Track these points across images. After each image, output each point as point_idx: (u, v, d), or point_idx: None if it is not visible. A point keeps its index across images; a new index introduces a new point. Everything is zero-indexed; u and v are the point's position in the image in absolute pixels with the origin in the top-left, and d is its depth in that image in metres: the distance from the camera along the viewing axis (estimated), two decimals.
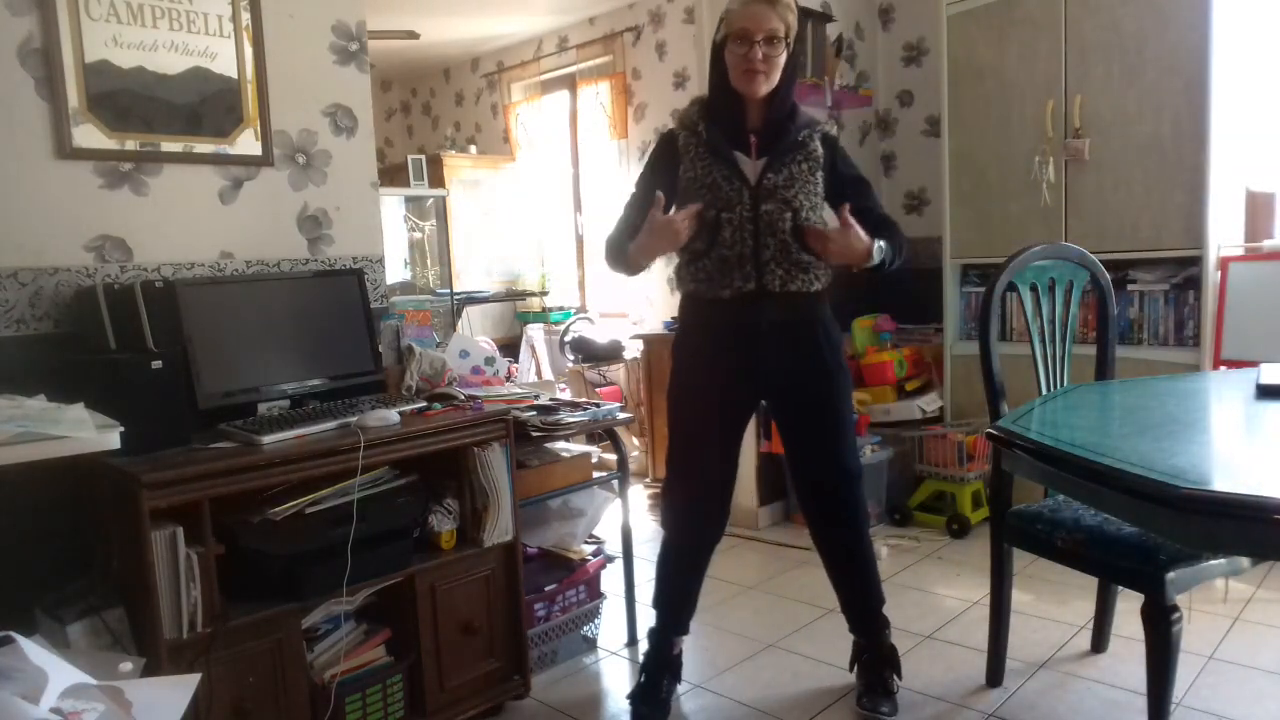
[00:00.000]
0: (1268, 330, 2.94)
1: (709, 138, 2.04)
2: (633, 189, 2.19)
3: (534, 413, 2.37)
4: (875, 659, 2.22)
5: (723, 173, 2.00)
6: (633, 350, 4.54)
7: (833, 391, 2.13)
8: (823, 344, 2.11)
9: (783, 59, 1.98)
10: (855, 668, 2.28)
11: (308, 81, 2.41)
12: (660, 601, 2.27)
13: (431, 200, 5.61)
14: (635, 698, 2.22)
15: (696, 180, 2.03)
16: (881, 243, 1.99)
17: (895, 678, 2.22)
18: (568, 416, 2.41)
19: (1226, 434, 1.74)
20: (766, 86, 1.98)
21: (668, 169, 2.10)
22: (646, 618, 2.35)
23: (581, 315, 5.24)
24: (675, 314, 2.37)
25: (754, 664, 2.49)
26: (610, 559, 2.66)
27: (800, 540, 3.32)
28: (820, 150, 2.07)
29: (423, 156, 5.59)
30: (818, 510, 2.21)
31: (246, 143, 2.30)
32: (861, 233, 1.94)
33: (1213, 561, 1.75)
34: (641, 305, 4.97)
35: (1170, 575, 1.71)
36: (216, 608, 1.77)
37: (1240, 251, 3.11)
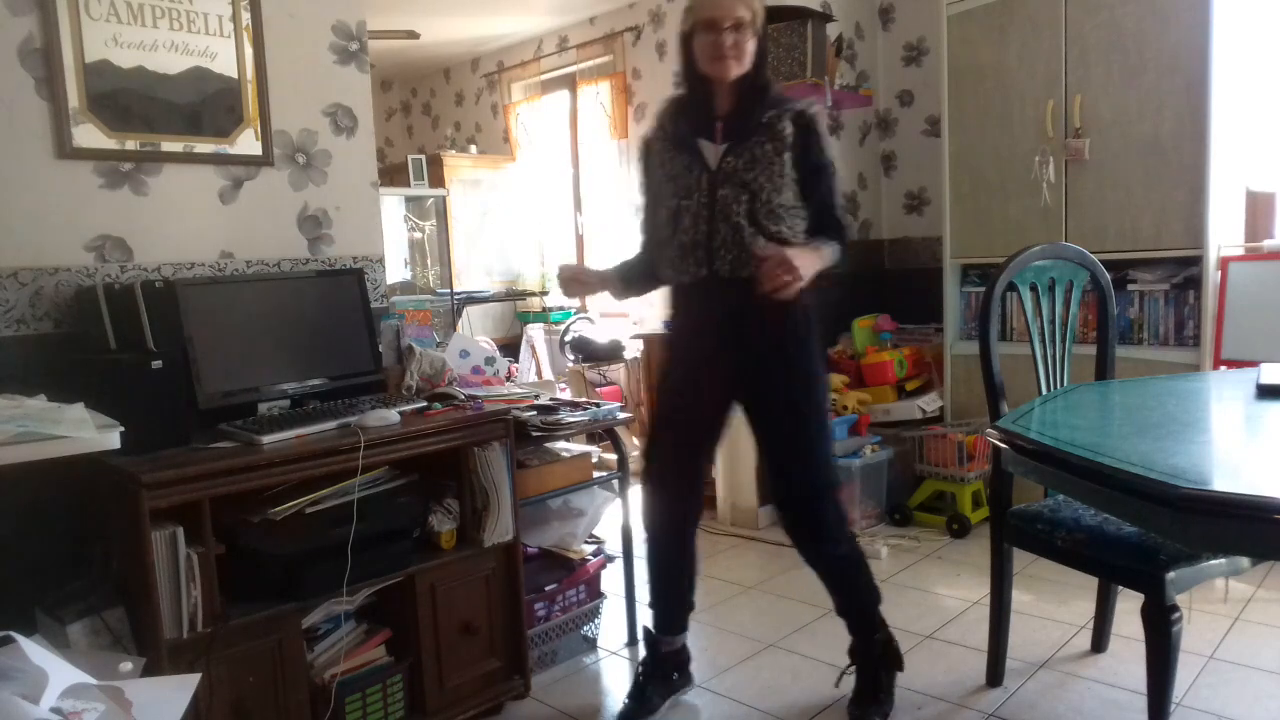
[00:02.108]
0: (1268, 330, 2.94)
1: (673, 131, 2.05)
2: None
3: (534, 413, 2.37)
4: (868, 659, 2.18)
5: (684, 162, 2.02)
6: (633, 350, 4.54)
7: (792, 388, 1.99)
8: (787, 335, 1.98)
9: (751, 45, 1.96)
10: (850, 669, 2.21)
11: (308, 81, 2.41)
12: (650, 596, 2.27)
13: (431, 200, 5.62)
14: (628, 694, 2.23)
15: (664, 174, 2.06)
16: (825, 248, 1.92)
17: (887, 677, 2.17)
18: (568, 416, 2.41)
19: (1226, 434, 1.74)
20: (737, 70, 1.96)
21: (649, 172, 2.15)
22: (647, 618, 2.34)
23: (581, 315, 5.24)
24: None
25: (754, 664, 2.49)
26: (610, 559, 2.66)
27: None
28: (790, 130, 1.96)
29: (423, 156, 5.60)
30: (787, 525, 2.11)
31: (246, 142, 2.30)
32: (798, 253, 1.83)
33: (1213, 561, 1.75)
34: (642, 305, 4.96)
35: (1170, 575, 1.71)
36: (216, 608, 1.77)
37: (1240, 251, 3.10)
